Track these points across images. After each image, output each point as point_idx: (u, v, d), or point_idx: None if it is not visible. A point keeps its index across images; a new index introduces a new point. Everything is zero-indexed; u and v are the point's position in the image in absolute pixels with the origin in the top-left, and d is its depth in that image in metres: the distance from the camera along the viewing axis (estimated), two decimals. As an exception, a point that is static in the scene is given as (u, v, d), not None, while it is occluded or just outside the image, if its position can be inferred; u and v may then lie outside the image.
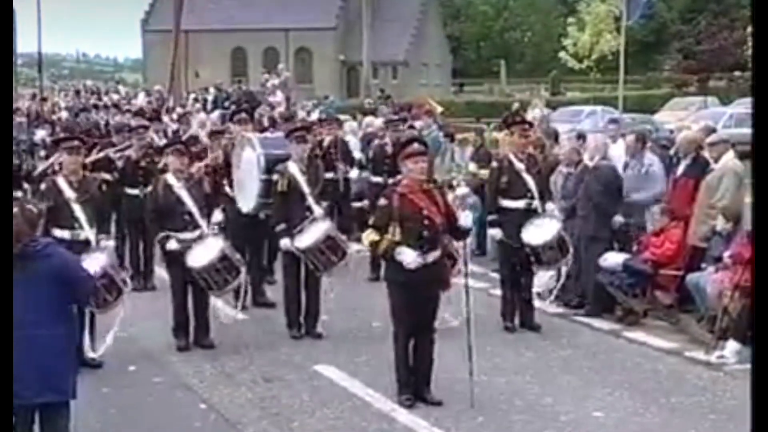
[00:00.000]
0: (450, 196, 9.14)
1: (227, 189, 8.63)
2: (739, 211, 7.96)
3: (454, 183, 11.32)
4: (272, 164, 7.96)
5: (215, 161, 8.87)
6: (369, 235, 6.12)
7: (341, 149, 10.96)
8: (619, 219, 8.36)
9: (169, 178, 7.54)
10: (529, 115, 16.71)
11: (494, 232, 8.17)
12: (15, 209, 4.73)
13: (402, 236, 5.99)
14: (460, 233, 6.44)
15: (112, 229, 8.43)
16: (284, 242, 7.67)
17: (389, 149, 10.19)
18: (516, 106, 22.54)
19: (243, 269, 7.54)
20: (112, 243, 7.45)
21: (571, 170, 8.69)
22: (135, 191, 9.61)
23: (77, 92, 31.84)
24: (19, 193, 8.67)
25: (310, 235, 7.59)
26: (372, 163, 10.58)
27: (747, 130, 21.94)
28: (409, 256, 5.92)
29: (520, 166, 7.95)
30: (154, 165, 9.64)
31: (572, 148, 8.79)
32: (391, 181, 9.35)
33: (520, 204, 7.87)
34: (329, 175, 9.90)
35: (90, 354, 6.91)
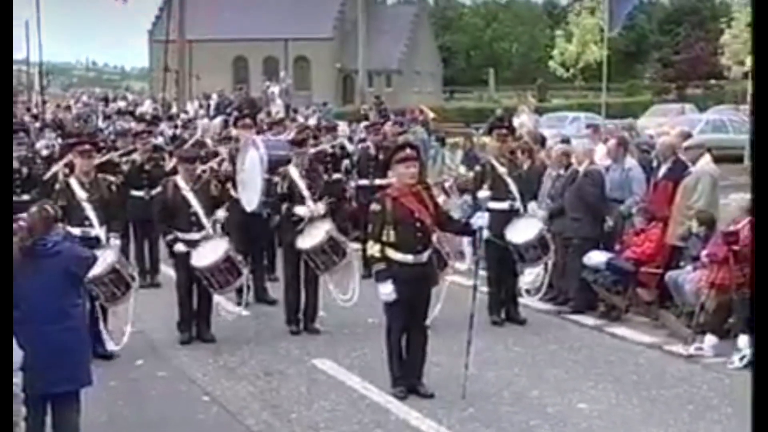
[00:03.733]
0: (441, 198, 9.18)
1: (231, 191, 8.62)
2: (712, 214, 7.98)
3: (446, 185, 11.34)
4: (274, 164, 7.95)
5: (221, 165, 8.91)
6: (371, 249, 6.09)
7: (341, 153, 11.01)
8: (609, 220, 8.42)
9: (179, 180, 7.55)
10: (516, 121, 16.73)
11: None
12: (33, 208, 4.87)
13: (396, 238, 5.99)
14: (462, 229, 6.48)
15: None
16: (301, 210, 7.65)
17: (372, 152, 10.23)
18: (499, 112, 22.43)
19: (245, 271, 7.53)
20: (118, 241, 7.47)
21: (561, 172, 8.69)
22: (140, 193, 9.60)
23: (89, 98, 31.87)
24: (25, 197, 8.60)
25: (312, 236, 7.58)
26: (357, 167, 10.58)
27: (722, 136, 21.98)
28: (387, 288, 5.96)
29: (502, 169, 7.97)
30: (158, 168, 9.65)
31: (562, 152, 8.79)
32: (377, 182, 9.39)
33: (504, 205, 7.88)
34: (333, 176, 9.95)
35: (111, 346, 6.98)
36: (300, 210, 7.64)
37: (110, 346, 6.96)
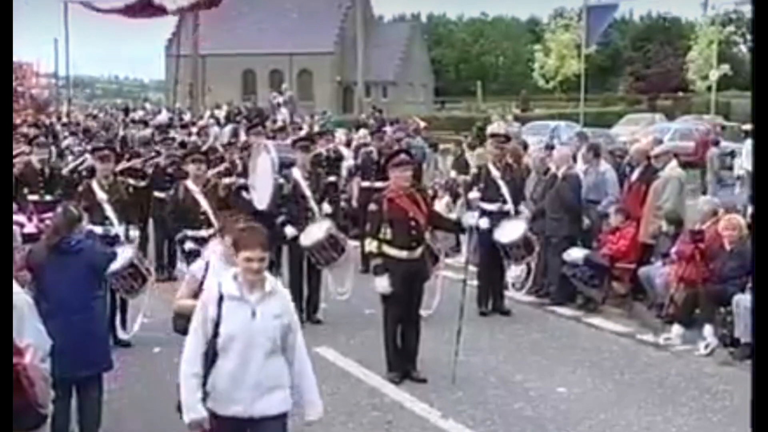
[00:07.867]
0: (442, 203, 9.16)
1: (243, 192, 8.61)
2: (680, 214, 8.01)
3: (437, 187, 11.34)
4: (281, 167, 7.96)
5: (230, 171, 8.94)
6: (369, 245, 6.11)
7: (336, 157, 11.00)
8: (586, 220, 8.42)
9: (189, 183, 7.57)
10: (489, 129, 16.71)
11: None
12: (59, 209, 4.94)
13: (392, 236, 6.00)
14: (451, 226, 6.49)
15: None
16: (289, 231, 7.66)
17: (375, 156, 10.21)
18: (479, 124, 22.40)
19: None
20: (137, 233, 7.45)
21: (541, 177, 8.71)
22: (162, 194, 9.59)
23: (111, 108, 31.88)
24: (48, 197, 8.53)
25: (314, 234, 7.58)
26: (361, 170, 10.56)
27: (688, 143, 22.11)
28: (383, 281, 5.97)
29: (496, 173, 7.97)
30: (178, 171, 9.66)
31: (542, 158, 8.83)
32: (378, 184, 9.37)
33: (494, 207, 7.89)
34: (330, 179, 9.92)
35: (122, 335, 6.98)
36: (289, 231, 7.66)
37: (121, 334, 6.97)
